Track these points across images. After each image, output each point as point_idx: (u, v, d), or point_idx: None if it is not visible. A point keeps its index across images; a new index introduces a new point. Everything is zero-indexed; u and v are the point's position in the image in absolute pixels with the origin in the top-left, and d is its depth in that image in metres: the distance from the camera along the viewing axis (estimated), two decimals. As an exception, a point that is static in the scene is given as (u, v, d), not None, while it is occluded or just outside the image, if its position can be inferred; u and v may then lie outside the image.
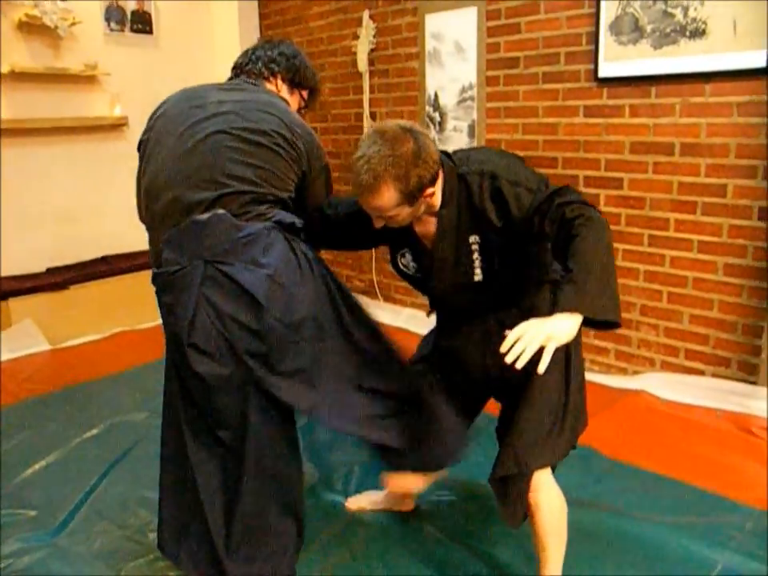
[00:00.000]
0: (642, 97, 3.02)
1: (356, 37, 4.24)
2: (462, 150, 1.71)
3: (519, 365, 1.31)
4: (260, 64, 1.88)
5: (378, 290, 4.48)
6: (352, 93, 4.41)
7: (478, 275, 1.66)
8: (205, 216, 1.56)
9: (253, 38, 4.88)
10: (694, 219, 2.96)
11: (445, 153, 1.66)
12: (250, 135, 1.61)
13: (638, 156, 3.06)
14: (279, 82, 1.90)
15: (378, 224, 1.61)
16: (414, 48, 3.95)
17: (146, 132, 1.76)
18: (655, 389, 3.09)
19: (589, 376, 3.37)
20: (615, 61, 3.06)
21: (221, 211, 1.56)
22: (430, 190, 1.55)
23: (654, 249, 3.09)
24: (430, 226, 1.66)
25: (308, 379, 1.65)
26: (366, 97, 4.27)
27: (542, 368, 1.32)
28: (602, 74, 3.11)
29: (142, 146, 1.77)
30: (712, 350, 3.00)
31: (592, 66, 3.14)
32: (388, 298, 4.43)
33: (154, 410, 3.04)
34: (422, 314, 4.14)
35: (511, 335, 1.33)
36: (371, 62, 4.22)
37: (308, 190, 1.77)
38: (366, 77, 4.24)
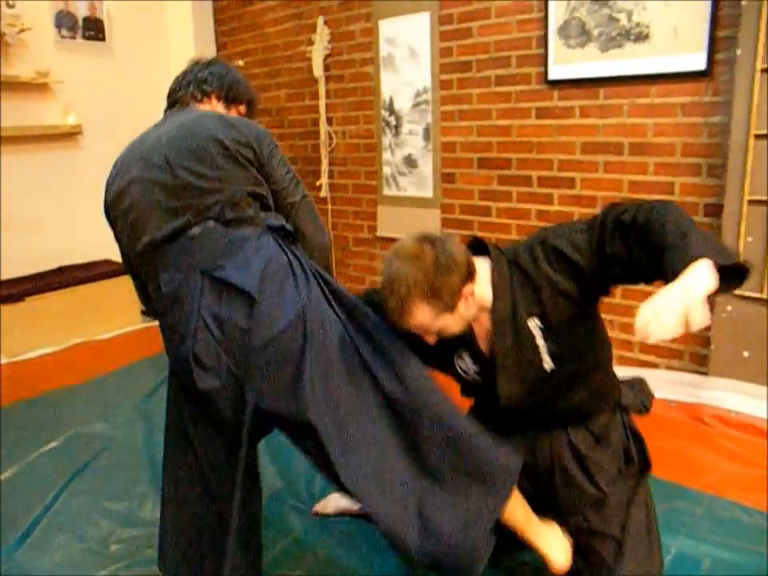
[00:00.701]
0: (591, 98, 3.10)
1: (311, 43, 4.26)
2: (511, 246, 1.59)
3: (674, 334, 1.08)
4: (191, 87, 1.88)
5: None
6: (308, 98, 4.42)
7: (548, 362, 1.52)
8: (196, 230, 1.59)
9: (208, 44, 4.87)
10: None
11: (495, 246, 1.55)
12: (198, 150, 1.62)
13: (589, 156, 3.14)
14: (214, 101, 1.91)
15: (431, 340, 1.51)
16: (369, 53, 3.99)
17: (107, 194, 1.75)
18: (611, 383, 3.17)
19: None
20: (564, 64, 3.14)
21: (210, 223, 1.59)
22: (467, 290, 1.45)
23: (606, 246, 3.17)
24: (484, 322, 1.54)
25: (299, 396, 1.50)
26: (322, 102, 4.28)
27: (703, 321, 1.08)
28: (552, 76, 3.18)
29: (109, 212, 1.76)
30: (665, 343, 3.09)
31: (542, 69, 3.21)
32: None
33: (113, 421, 3.02)
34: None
35: (640, 321, 1.11)
36: (327, 68, 4.24)
37: (272, 178, 1.75)
38: (322, 82, 4.26)
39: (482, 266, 1.51)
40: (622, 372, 3.15)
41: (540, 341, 1.50)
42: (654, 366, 3.12)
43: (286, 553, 2.10)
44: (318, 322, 1.54)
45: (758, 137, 2.57)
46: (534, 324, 1.50)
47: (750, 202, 2.63)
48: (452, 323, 1.47)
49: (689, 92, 2.85)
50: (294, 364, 1.50)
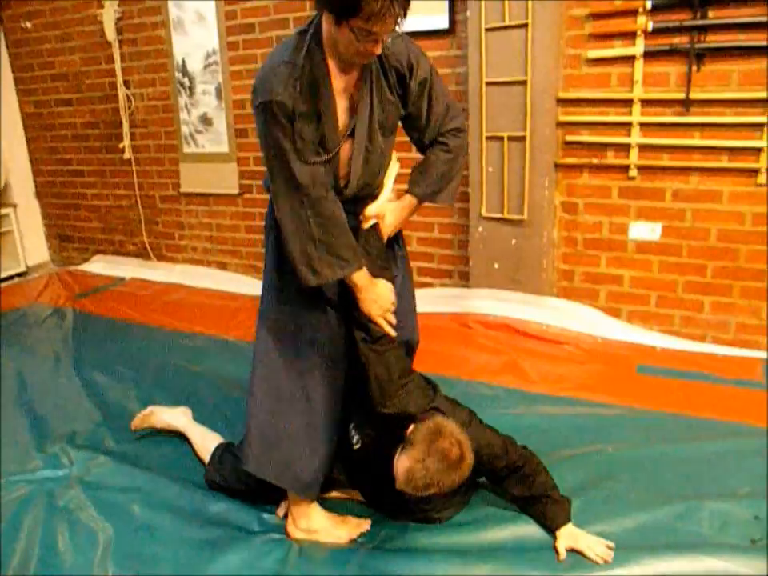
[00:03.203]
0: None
1: (101, 5, 4.30)
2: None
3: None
4: None
5: (150, 251, 4.67)
6: (104, 62, 4.46)
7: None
8: None
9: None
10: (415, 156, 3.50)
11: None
12: None
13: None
14: (326, 13, 1.59)
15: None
16: (159, 16, 4.12)
17: None
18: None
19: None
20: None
21: None
22: None
23: (383, 185, 3.62)
24: None
25: None
26: (117, 66, 4.35)
27: None
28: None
29: None
30: (437, 265, 3.61)
31: (316, 29, 3.55)
32: (161, 258, 4.65)
33: None
34: (193, 268, 4.43)
35: (605, 555, 1.79)
36: (120, 31, 4.31)
37: None
38: (116, 45, 4.32)
39: None
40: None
41: None
42: (430, 285, 3.64)
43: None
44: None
45: (488, 84, 3.09)
46: None
47: (488, 138, 3.16)
48: None
49: (438, 47, 3.32)
50: None
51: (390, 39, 1.69)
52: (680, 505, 1.94)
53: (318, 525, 1.98)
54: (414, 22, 3.28)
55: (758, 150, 2.76)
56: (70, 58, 4.61)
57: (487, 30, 3.03)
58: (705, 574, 1.69)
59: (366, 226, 1.89)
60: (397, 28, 1.60)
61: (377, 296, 1.83)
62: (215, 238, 4.38)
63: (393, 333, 1.87)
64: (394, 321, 1.88)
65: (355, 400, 1.97)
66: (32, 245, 5.06)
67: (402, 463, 1.69)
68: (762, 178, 2.78)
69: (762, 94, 2.69)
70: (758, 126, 2.74)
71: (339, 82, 1.71)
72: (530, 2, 2.89)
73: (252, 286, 4.10)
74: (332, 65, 1.68)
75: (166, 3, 4.04)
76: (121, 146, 4.48)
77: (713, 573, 1.69)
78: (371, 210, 1.88)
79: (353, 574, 1.81)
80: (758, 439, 2.26)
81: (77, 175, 4.87)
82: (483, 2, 2.99)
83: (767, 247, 2.85)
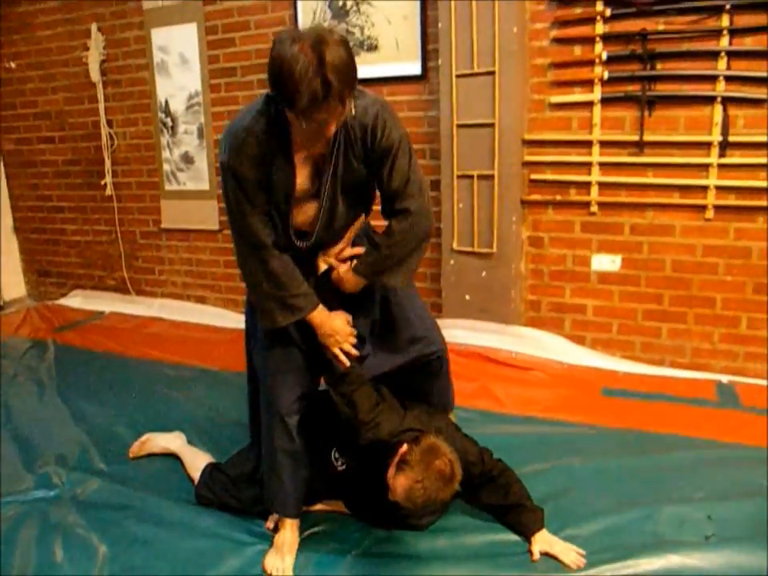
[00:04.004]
0: (337, 98, 3.70)
1: (86, 48, 4.46)
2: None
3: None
4: None
5: (130, 286, 4.77)
6: (87, 102, 4.60)
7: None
8: None
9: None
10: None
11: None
12: None
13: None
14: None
15: None
16: (143, 59, 4.30)
17: None
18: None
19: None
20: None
21: None
22: None
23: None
24: None
25: None
26: (101, 106, 4.50)
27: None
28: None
29: None
30: (412, 297, 3.77)
31: (296, 74, 3.76)
32: (140, 292, 4.75)
33: None
34: (171, 302, 4.53)
35: (577, 560, 1.93)
36: (104, 73, 4.47)
37: None
38: (100, 86, 4.48)
39: None
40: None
41: None
42: (405, 316, 3.80)
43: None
44: None
45: (459, 126, 3.32)
46: None
47: (459, 176, 3.37)
48: None
49: (411, 92, 3.55)
50: None
51: (363, 106, 1.73)
52: (642, 509, 2.10)
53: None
54: (389, 68, 3.55)
55: (705, 187, 3.02)
56: (53, 98, 4.75)
57: (457, 76, 3.26)
58: (666, 568, 1.85)
59: (319, 272, 2.01)
60: (349, 109, 1.63)
61: (333, 330, 1.95)
62: (195, 273, 4.50)
63: (347, 363, 1.98)
64: (354, 352, 2.00)
65: (336, 428, 2.08)
66: (9, 279, 5.11)
67: (401, 483, 1.82)
68: (709, 213, 3.04)
69: (707, 138, 2.97)
70: (704, 167, 3.00)
71: (303, 149, 1.75)
72: (496, 52, 3.13)
73: (231, 320, 4.21)
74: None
75: (151, 47, 4.22)
76: (103, 182, 4.60)
77: (673, 567, 1.85)
78: (321, 261, 2.00)
79: (341, 579, 1.92)
80: (711, 451, 2.46)
81: (57, 211, 4.97)
82: (454, 51, 3.23)
83: (716, 276, 3.09)
